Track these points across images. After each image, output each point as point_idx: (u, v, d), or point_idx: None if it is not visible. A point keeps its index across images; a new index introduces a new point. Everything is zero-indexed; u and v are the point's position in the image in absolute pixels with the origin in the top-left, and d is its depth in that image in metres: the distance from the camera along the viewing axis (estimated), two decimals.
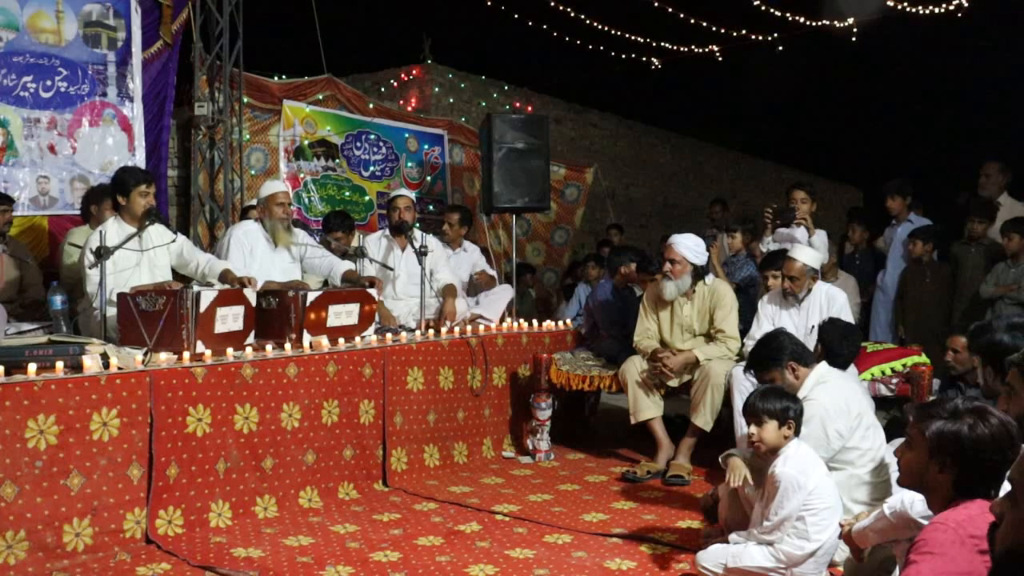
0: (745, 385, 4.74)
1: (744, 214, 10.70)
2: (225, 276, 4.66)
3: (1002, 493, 2.04)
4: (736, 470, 3.47)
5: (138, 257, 4.64)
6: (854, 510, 3.41)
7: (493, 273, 6.59)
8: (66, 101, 5.95)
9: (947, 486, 2.10)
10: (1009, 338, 2.95)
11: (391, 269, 5.76)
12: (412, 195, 6.01)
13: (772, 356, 3.75)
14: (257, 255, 5.21)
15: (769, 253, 5.76)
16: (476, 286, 6.29)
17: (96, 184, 5.79)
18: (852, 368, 4.44)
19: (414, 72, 9.89)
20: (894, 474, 3.23)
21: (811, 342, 4.42)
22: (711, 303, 5.08)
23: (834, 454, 3.56)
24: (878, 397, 4.75)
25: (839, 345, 4.08)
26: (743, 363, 4.88)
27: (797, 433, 3.30)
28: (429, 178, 8.74)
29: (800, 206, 5.92)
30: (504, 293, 6.15)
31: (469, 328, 5.48)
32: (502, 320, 5.89)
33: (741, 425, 4.52)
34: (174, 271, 4.89)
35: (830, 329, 4.17)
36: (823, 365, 3.78)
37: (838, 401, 3.56)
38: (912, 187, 7.02)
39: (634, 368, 5.08)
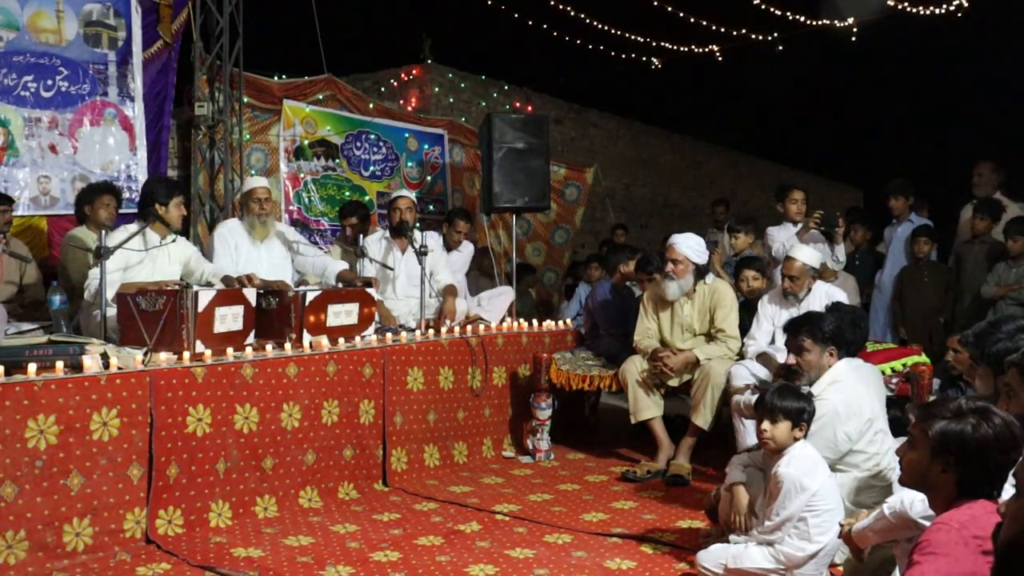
0: (744, 384, 4.74)
1: (746, 214, 10.70)
2: (226, 281, 4.69)
3: (1005, 493, 2.04)
4: (738, 512, 3.46)
5: (141, 257, 4.65)
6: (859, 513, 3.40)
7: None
8: (67, 101, 5.94)
9: (950, 486, 2.10)
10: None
11: (391, 269, 5.76)
12: (413, 196, 6.00)
13: (801, 322, 3.71)
14: (242, 251, 5.25)
15: (741, 258, 5.91)
16: (478, 285, 6.32)
17: (89, 184, 5.77)
18: (872, 367, 4.41)
19: (414, 72, 9.88)
20: (895, 474, 3.23)
21: None
22: (711, 303, 5.08)
23: (841, 456, 3.54)
24: None
25: (848, 331, 4.04)
26: (743, 362, 4.89)
27: (806, 435, 3.31)
28: (429, 178, 8.73)
29: (802, 206, 5.96)
30: (505, 295, 6.17)
31: (469, 328, 5.48)
32: (502, 321, 5.90)
33: (746, 433, 4.54)
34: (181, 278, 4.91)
35: (839, 315, 4.13)
36: (843, 363, 3.74)
37: (850, 403, 3.54)
38: (913, 187, 7.04)
39: (634, 368, 5.08)
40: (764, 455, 3.48)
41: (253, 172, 7.33)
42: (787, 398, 3.27)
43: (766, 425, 3.26)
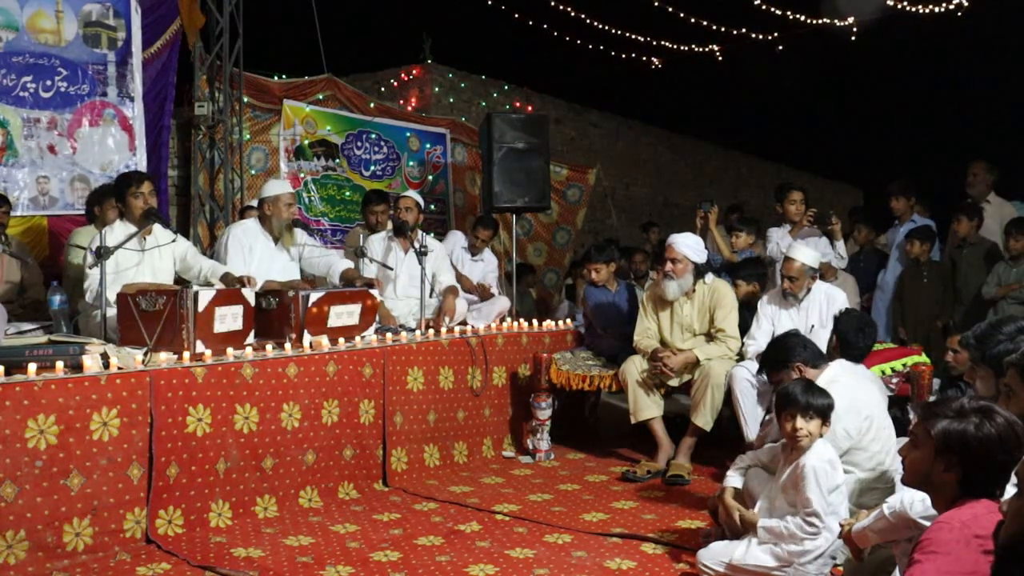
0: (745, 385, 4.75)
1: (746, 214, 10.70)
2: (226, 279, 4.67)
3: (1007, 493, 2.03)
4: (730, 516, 3.50)
5: (139, 257, 4.64)
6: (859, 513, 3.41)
7: (493, 290, 6.68)
8: (66, 101, 5.94)
9: (952, 485, 2.09)
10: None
11: (391, 269, 5.75)
12: (417, 196, 5.99)
13: (780, 358, 3.80)
14: (256, 253, 5.18)
15: (736, 263, 5.95)
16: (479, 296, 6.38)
17: (97, 185, 5.78)
18: (869, 371, 4.43)
19: (414, 72, 9.89)
20: (898, 475, 3.23)
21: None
22: (711, 302, 5.08)
23: (842, 453, 3.55)
24: None
25: (855, 337, 4.03)
26: (744, 363, 4.90)
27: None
28: (431, 177, 8.73)
29: (801, 206, 5.97)
30: (498, 304, 6.21)
31: (469, 328, 5.48)
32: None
33: (752, 431, 4.56)
34: (177, 276, 4.90)
35: (846, 321, 4.12)
36: (836, 364, 3.78)
37: (848, 401, 3.56)
38: (916, 187, 7.03)
39: (634, 368, 5.08)
40: (776, 452, 3.49)
41: (254, 172, 7.34)
42: (816, 395, 3.28)
43: (801, 423, 3.25)
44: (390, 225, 6.11)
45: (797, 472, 3.23)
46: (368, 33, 12.90)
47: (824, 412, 3.27)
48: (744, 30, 10.49)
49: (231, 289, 4.42)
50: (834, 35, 10.30)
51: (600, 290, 5.71)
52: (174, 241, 4.82)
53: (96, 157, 6.08)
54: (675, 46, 10.96)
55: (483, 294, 6.44)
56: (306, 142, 7.63)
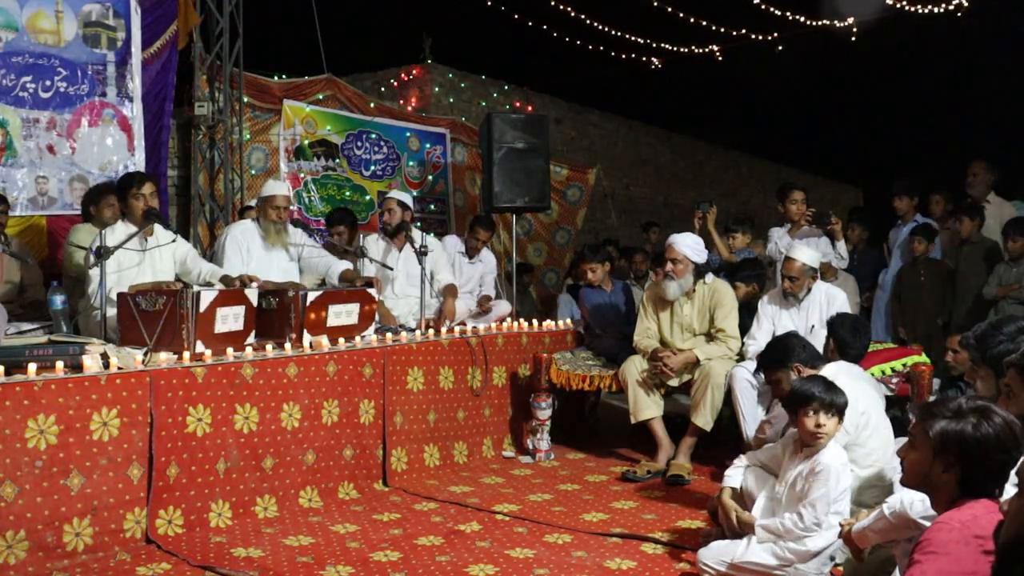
0: (745, 384, 4.75)
1: (745, 214, 10.70)
2: (225, 281, 4.69)
3: (1007, 492, 2.03)
4: (727, 518, 3.53)
5: (140, 257, 4.64)
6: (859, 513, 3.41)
7: (492, 291, 6.65)
8: (65, 101, 5.94)
9: (951, 486, 2.09)
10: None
11: (391, 269, 5.76)
12: (402, 196, 5.98)
13: (778, 358, 3.85)
14: (254, 254, 5.23)
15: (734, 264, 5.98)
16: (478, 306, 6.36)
17: (94, 185, 5.78)
18: (864, 372, 4.44)
19: (414, 72, 9.89)
20: (896, 474, 3.23)
21: (812, 341, 4.42)
22: (711, 302, 5.08)
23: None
24: None
25: (852, 338, 4.05)
26: (744, 363, 4.90)
27: None
28: (431, 177, 8.73)
29: (802, 206, 5.97)
30: (497, 309, 6.20)
31: (469, 328, 5.48)
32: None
33: (749, 429, 4.56)
34: (177, 277, 4.91)
35: (840, 323, 4.14)
36: (833, 365, 3.79)
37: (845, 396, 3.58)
38: (919, 187, 7.03)
39: (634, 368, 5.08)
40: (775, 452, 3.49)
41: (254, 172, 7.34)
42: (838, 393, 3.28)
43: (824, 420, 3.24)
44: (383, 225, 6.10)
45: (813, 469, 3.22)
46: (368, 33, 12.90)
47: (842, 410, 3.28)
48: (744, 30, 10.50)
49: (234, 289, 4.42)
50: (834, 36, 10.31)
51: (596, 291, 5.71)
52: (174, 242, 4.83)
53: (95, 157, 6.08)
54: (675, 47, 10.97)
55: (482, 306, 6.39)
56: (306, 142, 7.64)
